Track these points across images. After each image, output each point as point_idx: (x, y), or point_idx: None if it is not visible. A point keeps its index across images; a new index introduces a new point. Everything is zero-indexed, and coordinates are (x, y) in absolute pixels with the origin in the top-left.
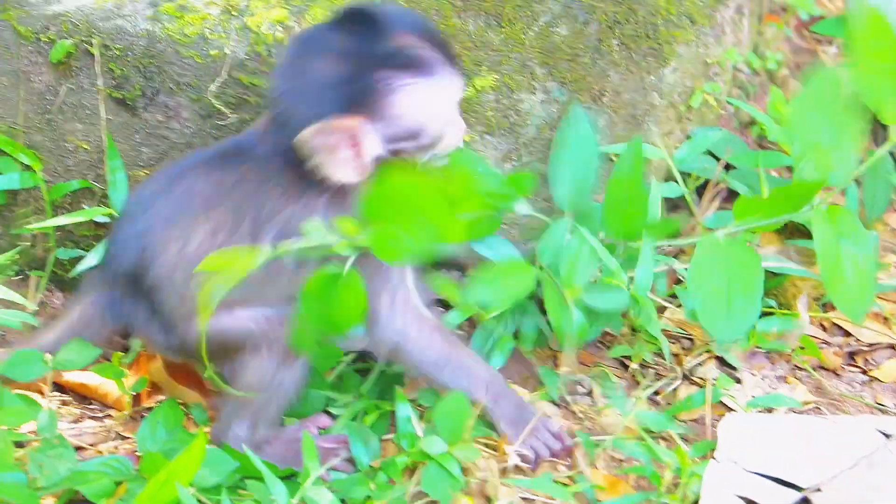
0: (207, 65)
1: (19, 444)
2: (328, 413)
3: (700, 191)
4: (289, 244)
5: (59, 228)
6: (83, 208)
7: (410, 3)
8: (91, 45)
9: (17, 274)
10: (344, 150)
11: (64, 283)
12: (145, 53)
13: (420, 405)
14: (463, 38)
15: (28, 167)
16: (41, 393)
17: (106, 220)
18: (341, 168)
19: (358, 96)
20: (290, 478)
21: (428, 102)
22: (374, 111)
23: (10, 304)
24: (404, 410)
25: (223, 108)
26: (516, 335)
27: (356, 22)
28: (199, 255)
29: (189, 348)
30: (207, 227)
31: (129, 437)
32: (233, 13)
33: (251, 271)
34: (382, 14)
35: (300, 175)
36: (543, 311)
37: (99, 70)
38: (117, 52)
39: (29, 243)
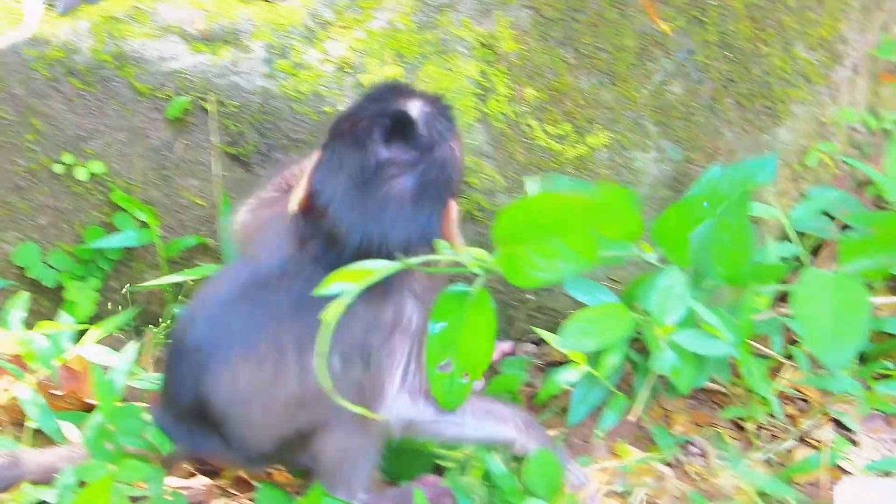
0: (321, 122)
1: (134, 499)
2: (438, 467)
3: (816, 251)
4: (415, 261)
5: (174, 284)
6: (197, 264)
7: (524, 60)
8: (207, 101)
9: (133, 330)
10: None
11: None
12: (260, 110)
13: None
14: (576, 95)
15: (144, 224)
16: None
17: None
18: None
19: (441, 203)
20: None
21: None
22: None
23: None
24: (496, 465)
25: None
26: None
27: (396, 125)
28: (256, 384)
29: (271, 458)
30: (256, 358)
31: (237, 495)
32: (346, 70)
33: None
34: (417, 118)
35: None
36: None
37: (214, 126)
38: (233, 109)
39: (144, 299)
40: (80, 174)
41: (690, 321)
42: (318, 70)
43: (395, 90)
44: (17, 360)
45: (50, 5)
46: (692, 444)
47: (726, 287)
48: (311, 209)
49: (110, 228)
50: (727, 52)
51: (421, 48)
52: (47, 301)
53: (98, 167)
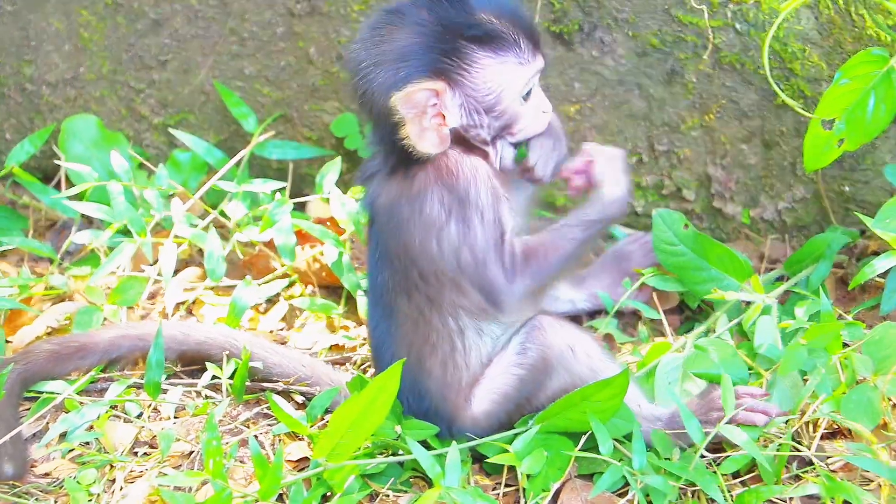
0: (647, 2)
1: None
2: None
3: None
4: None
5: None
6: None
7: None
8: None
9: None
10: (429, 116)
11: None
12: None
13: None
14: None
15: None
16: None
17: None
18: (426, 138)
19: (439, 63)
20: None
21: (504, 77)
22: (453, 78)
23: None
24: None
25: (661, 46)
26: None
27: None
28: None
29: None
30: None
31: None
32: None
33: None
34: None
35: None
36: None
37: (539, 4)
38: None
39: None
40: None
41: None
42: None
43: None
44: (329, 223)
45: None
46: None
47: None
48: None
49: None
50: None
51: None
52: None
53: None
